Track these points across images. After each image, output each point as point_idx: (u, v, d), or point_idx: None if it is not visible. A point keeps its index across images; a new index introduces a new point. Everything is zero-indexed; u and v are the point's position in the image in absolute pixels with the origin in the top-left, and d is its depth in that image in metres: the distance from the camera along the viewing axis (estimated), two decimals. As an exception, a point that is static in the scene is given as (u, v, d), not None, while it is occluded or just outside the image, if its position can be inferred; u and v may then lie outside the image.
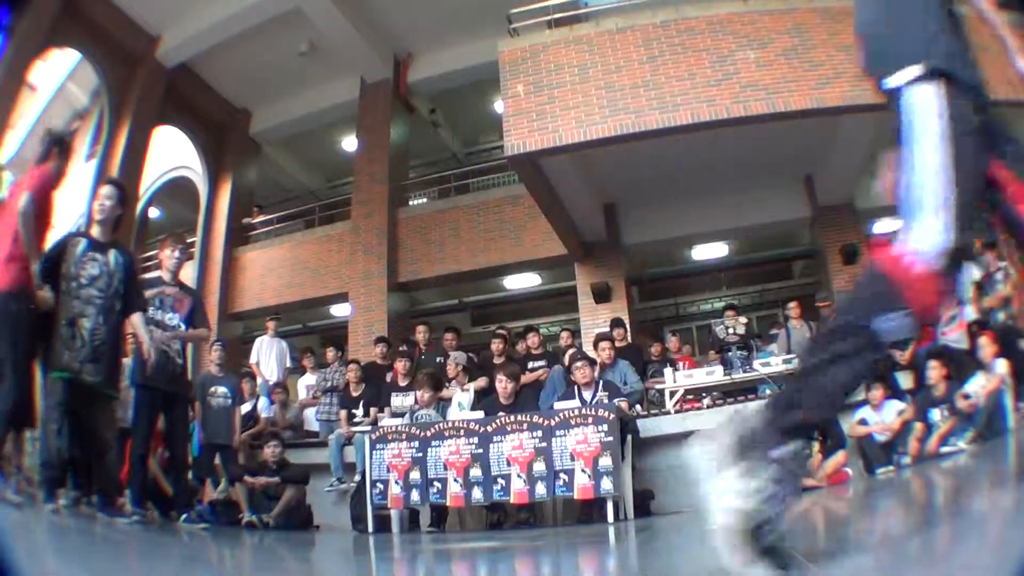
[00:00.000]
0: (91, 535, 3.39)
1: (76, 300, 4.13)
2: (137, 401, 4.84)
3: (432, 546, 4.08)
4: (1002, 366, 5.62)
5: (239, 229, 12.60)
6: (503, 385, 5.88)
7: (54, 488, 4.00)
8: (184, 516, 4.91)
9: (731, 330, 7.32)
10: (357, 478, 6.22)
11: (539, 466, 5.08)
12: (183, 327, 4.85)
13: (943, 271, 1.56)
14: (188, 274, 11.48)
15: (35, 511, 3.80)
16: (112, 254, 4.29)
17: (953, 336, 6.40)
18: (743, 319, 7.84)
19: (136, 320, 4.38)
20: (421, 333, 8.27)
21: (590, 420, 5.07)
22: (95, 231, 4.36)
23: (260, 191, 13.81)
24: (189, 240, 12.69)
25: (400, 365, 7.13)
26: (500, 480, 5.16)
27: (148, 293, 4.71)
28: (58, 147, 4.26)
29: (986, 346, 5.80)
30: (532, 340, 7.62)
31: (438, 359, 7.63)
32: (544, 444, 5.11)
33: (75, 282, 4.16)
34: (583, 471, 4.96)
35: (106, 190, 4.50)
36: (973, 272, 6.82)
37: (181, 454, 5.07)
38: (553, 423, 5.14)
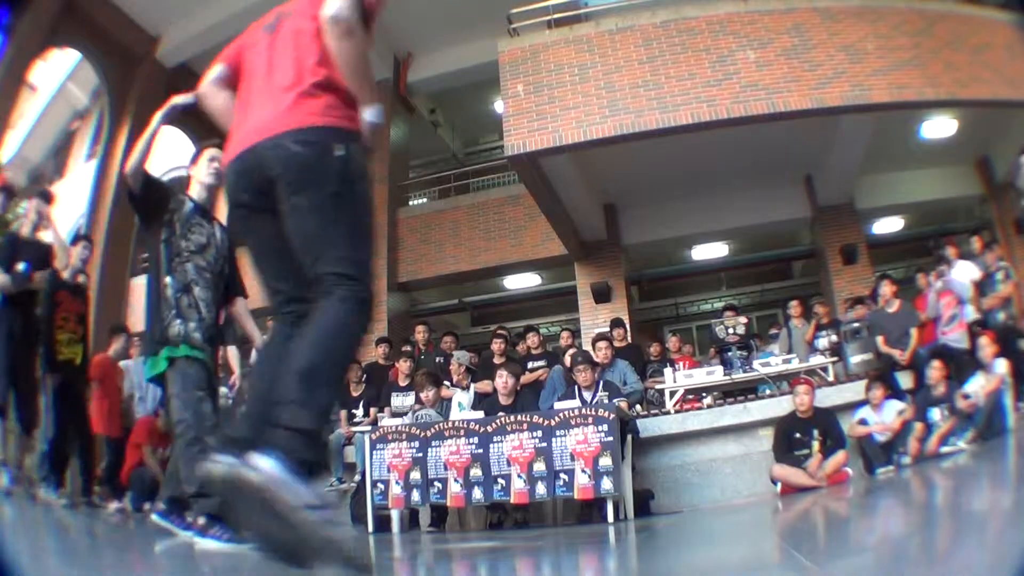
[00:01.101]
0: (91, 535, 3.39)
1: (188, 264, 3.34)
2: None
3: (432, 546, 4.08)
4: (1002, 366, 5.62)
5: (239, 229, 12.59)
6: (503, 381, 5.87)
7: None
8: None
9: (731, 330, 7.31)
10: (357, 478, 6.22)
11: (539, 466, 5.08)
12: None
13: None
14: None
15: (36, 510, 3.80)
16: (217, 227, 3.55)
17: (954, 336, 6.41)
18: (743, 319, 7.83)
19: (241, 308, 3.67)
20: (420, 333, 8.27)
21: (590, 420, 5.07)
22: (199, 194, 3.54)
23: (260, 191, 13.80)
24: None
25: (402, 365, 7.13)
26: (500, 480, 5.16)
27: None
28: None
29: (986, 346, 5.80)
30: (532, 340, 7.62)
31: (437, 359, 7.64)
32: (544, 444, 5.11)
33: (184, 241, 3.36)
34: (583, 471, 4.96)
35: (217, 152, 3.42)
36: (973, 272, 6.83)
37: None
38: (553, 423, 5.14)
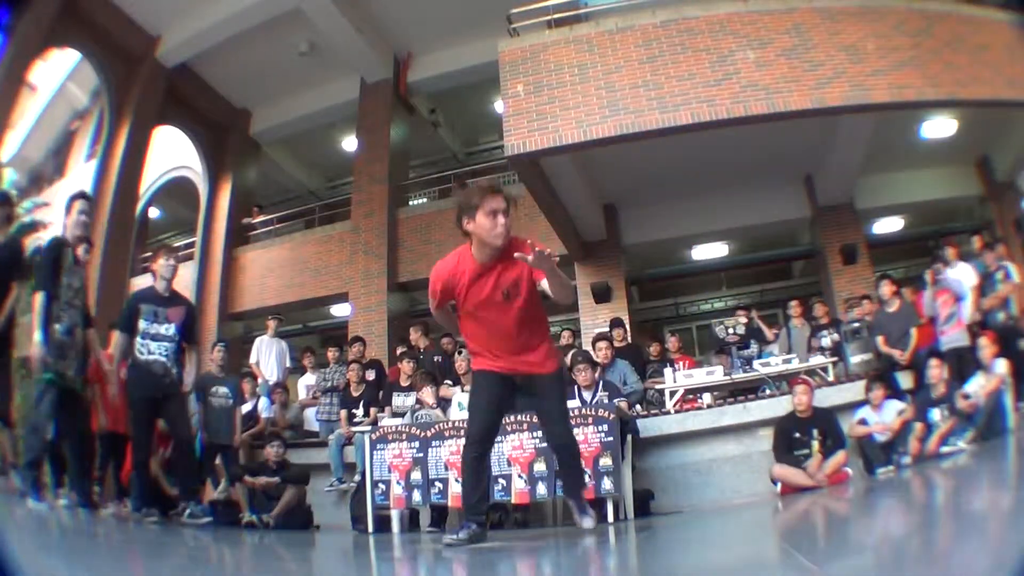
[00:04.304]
0: (91, 535, 3.39)
1: (72, 309, 4.39)
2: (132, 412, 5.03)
3: (432, 546, 4.07)
4: (1002, 366, 5.63)
5: (239, 229, 12.60)
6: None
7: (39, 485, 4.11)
8: (189, 512, 4.92)
9: (731, 330, 7.32)
10: (357, 478, 6.22)
11: (540, 466, 5.08)
12: (178, 336, 4.97)
13: None
14: (188, 275, 11.49)
15: (34, 510, 3.81)
16: (81, 269, 4.63)
17: (954, 335, 6.39)
18: (743, 319, 7.84)
19: (93, 334, 4.78)
20: (414, 333, 8.30)
21: (590, 420, 5.07)
22: (74, 244, 4.54)
23: (260, 191, 13.81)
24: (189, 241, 12.72)
25: (403, 365, 7.13)
26: (501, 480, 5.16)
27: (143, 308, 4.88)
28: None
29: (986, 346, 5.80)
30: (532, 340, 7.61)
31: (436, 358, 7.64)
32: (545, 444, 5.11)
33: (71, 291, 4.39)
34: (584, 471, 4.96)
35: (81, 204, 4.67)
36: (970, 274, 6.83)
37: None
38: (553, 423, 5.14)
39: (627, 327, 8.42)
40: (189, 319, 5.12)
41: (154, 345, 4.84)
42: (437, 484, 5.33)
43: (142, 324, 4.85)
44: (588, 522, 3.47)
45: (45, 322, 4.17)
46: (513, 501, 5.18)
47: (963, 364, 6.01)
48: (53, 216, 4.99)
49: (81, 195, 4.84)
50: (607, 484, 4.89)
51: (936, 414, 5.63)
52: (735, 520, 4.63)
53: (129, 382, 4.95)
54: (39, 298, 4.20)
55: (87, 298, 4.78)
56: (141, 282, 11.69)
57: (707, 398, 6.63)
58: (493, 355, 3.29)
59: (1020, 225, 9.42)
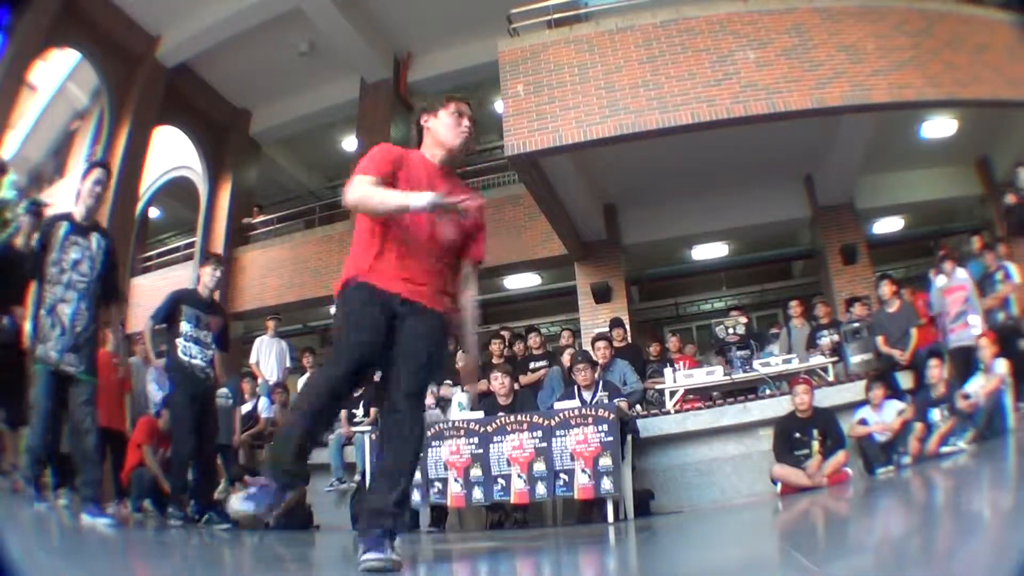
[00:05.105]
0: (91, 535, 3.39)
1: (58, 286, 3.95)
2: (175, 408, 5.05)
3: (432, 546, 4.07)
4: (1002, 366, 5.62)
5: (239, 229, 12.60)
6: (500, 382, 5.88)
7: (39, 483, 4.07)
8: (207, 517, 4.93)
9: (731, 330, 7.31)
10: (357, 478, 6.22)
11: (539, 466, 5.09)
12: (215, 345, 5.09)
13: None
14: (187, 274, 11.49)
15: (35, 510, 3.81)
16: (94, 238, 4.13)
17: (962, 333, 6.37)
18: (743, 319, 7.83)
19: (115, 310, 4.34)
20: None
21: (590, 420, 5.07)
22: (79, 214, 4.15)
23: (260, 191, 13.80)
24: (189, 241, 12.73)
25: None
26: (500, 480, 5.17)
27: (185, 309, 4.93)
28: None
29: (986, 346, 5.80)
30: (533, 341, 7.63)
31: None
32: (544, 444, 5.11)
33: (57, 267, 3.97)
34: (583, 471, 4.96)
35: (98, 174, 4.26)
36: (967, 277, 6.81)
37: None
38: (553, 423, 5.14)
39: (627, 327, 8.42)
40: (224, 329, 5.26)
41: (195, 349, 4.91)
42: (436, 484, 5.33)
43: (185, 326, 4.88)
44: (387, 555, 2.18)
45: (35, 312, 3.92)
46: (512, 501, 5.18)
47: (965, 364, 6.01)
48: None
49: (100, 164, 4.56)
50: (607, 484, 4.89)
51: (936, 414, 5.63)
52: (735, 520, 4.63)
53: (174, 380, 4.93)
54: (31, 288, 3.99)
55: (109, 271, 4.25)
56: (142, 282, 11.74)
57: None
58: (390, 268, 2.62)
59: (1020, 225, 9.40)
